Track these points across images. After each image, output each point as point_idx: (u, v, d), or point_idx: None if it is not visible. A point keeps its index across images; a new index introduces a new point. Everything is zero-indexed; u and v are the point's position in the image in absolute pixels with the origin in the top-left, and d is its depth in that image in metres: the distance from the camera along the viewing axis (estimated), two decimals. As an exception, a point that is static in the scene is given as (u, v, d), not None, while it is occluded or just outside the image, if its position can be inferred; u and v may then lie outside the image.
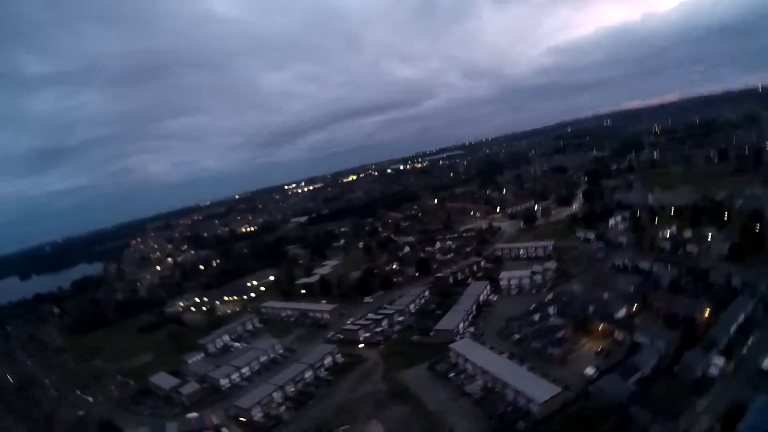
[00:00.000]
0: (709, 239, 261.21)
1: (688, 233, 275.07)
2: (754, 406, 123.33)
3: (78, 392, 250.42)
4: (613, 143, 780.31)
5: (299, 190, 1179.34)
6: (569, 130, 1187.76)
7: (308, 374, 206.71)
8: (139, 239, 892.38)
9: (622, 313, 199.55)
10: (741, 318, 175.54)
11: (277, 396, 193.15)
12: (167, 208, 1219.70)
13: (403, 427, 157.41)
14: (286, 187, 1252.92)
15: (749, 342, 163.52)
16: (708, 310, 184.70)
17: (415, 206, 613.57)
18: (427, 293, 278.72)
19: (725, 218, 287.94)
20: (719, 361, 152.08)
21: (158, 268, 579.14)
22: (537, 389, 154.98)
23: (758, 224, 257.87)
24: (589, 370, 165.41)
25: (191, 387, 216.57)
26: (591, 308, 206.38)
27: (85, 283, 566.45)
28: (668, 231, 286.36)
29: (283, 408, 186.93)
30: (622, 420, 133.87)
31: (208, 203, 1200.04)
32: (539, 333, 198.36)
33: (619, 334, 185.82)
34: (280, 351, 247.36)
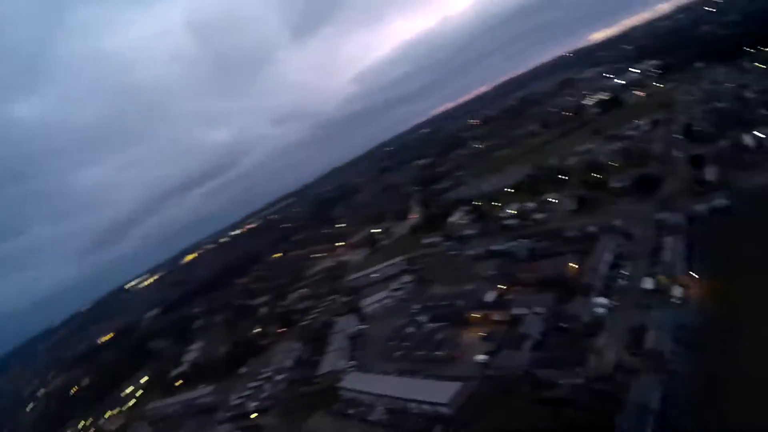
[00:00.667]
0: (553, 202, 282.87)
1: (531, 204, 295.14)
2: (650, 322, 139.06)
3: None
4: (435, 148, 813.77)
5: (145, 283, 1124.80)
6: (390, 148, 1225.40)
7: None
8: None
9: (491, 296, 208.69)
10: (608, 257, 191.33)
11: None
12: (15, 340, 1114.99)
13: None
14: (131, 284, 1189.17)
15: (623, 273, 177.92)
16: (574, 262, 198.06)
17: (260, 266, 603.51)
18: (298, 344, 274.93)
19: (563, 179, 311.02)
20: (602, 301, 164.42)
21: (30, 404, 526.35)
22: (438, 392, 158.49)
23: (596, 174, 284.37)
24: (481, 357, 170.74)
25: None
26: (460, 302, 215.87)
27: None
28: (510, 208, 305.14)
29: None
30: (531, 385, 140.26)
31: (59, 323, 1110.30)
32: (419, 343, 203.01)
33: (496, 316, 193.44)
34: None
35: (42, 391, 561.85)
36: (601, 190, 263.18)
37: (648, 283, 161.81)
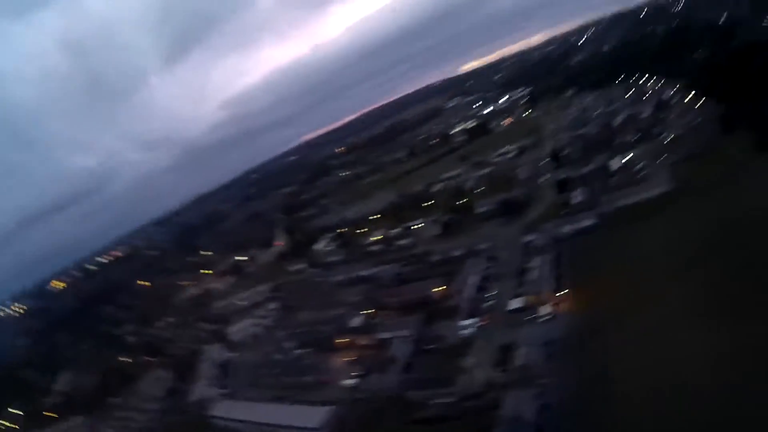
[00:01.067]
0: (418, 227, 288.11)
1: (395, 230, 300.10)
2: (518, 339, 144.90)
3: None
4: (301, 175, 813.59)
5: (9, 311, 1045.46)
6: (255, 176, 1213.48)
7: None
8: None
9: (358, 321, 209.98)
10: (473, 279, 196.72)
11: None
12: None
13: None
14: None
15: (490, 294, 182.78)
16: (440, 286, 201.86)
17: (127, 294, 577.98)
18: (167, 373, 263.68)
19: (428, 205, 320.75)
20: (470, 321, 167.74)
21: None
22: (308, 418, 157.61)
23: (462, 199, 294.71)
24: (348, 381, 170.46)
25: None
26: (327, 328, 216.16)
27: None
28: (375, 235, 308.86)
29: None
30: (402, 407, 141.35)
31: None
32: (287, 369, 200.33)
33: (362, 340, 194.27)
34: None
35: None
36: (467, 215, 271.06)
37: (515, 303, 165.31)
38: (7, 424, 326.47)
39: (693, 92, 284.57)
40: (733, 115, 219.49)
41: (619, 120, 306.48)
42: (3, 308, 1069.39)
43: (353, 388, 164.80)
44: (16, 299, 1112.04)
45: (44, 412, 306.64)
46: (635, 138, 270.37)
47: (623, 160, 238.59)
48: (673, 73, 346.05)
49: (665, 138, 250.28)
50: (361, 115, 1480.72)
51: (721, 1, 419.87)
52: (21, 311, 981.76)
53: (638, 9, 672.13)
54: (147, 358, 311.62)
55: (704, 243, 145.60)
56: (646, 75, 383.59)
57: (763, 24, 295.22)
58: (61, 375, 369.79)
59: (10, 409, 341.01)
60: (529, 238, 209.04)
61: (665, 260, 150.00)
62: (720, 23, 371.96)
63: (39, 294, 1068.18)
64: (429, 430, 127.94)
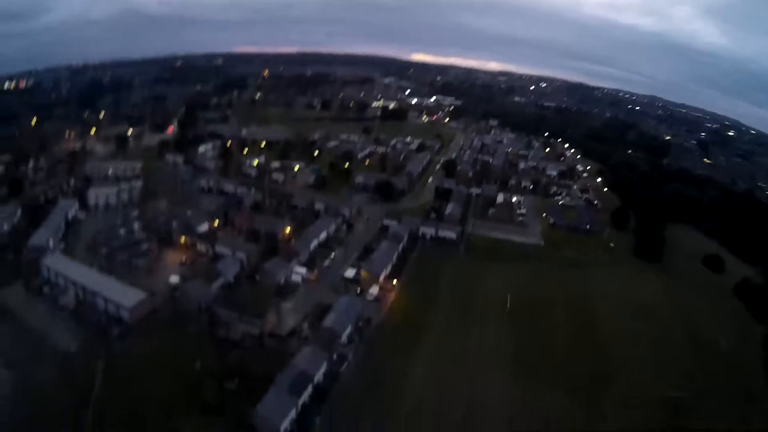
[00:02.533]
0: (296, 170, 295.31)
1: (276, 164, 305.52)
2: (338, 305, 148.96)
3: None
4: (219, 80, 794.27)
5: None
6: (179, 63, 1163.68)
7: None
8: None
9: (204, 228, 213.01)
10: (323, 235, 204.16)
11: None
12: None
13: (10, 347, 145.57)
14: None
15: (332, 256, 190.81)
16: (290, 227, 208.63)
17: (12, 127, 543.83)
18: (18, 211, 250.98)
19: (315, 155, 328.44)
20: (302, 270, 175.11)
21: None
22: (124, 296, 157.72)
23: (347, 162, 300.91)
24: (174, 279, 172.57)
25: None
26: (174, 224, 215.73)
27: None
28: (256, 160, 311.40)
29: None
30: (209, 320, 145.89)
31: None
32: (125, 246, 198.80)
33: (201, 247, 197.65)
34: None
35: None
36: (345, 179, 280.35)
37: (350, 272, 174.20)
38: None
39: (606, 177, 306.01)
40: (627, 216, 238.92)
41: (526, 165, 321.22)
42: None
43: (174, 286, 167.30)
44: None
45: None
46: (532, 186, 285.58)
47: (512, 200, 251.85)
48: (598, 155, 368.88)
49: (559, 201, 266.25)
50: (301, 53, 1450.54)
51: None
52: None
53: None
54: (4, 192, 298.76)
55: (525, 303, 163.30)
56: (575, 146, 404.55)
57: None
58: None
59: None
60: (389, 222, 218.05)
61: (488, 299, 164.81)
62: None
63: None
64: (224, 349, 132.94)
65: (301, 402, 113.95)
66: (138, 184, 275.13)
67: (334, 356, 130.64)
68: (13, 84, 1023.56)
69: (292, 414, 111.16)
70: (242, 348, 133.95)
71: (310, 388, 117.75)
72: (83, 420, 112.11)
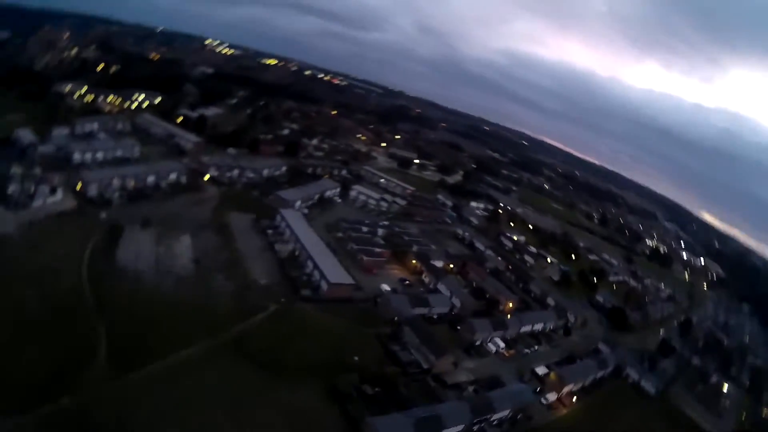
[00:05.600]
0: (549, 261, 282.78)
1: (532, 248, 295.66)
2: (510, 386, 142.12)
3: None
4: (516, 155, 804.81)
5: (218, 49, 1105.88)
6: (486, 127, 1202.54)
7: (150, 179, 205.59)
8: (51, 28, 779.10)
9: (438, 263, 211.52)
10: (539, 326, 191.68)
11: (116, 183, 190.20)
12: (89, 9, 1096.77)
13: (208, 247, 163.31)
14: (207, 41, 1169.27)
15: (536, 348, 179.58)
16: (512, 303, 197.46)
17: (315, 108, 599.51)
18: (284, 168, 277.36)
19: (572, 257, 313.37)
20: (501, 343, 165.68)
21: (62, 54, 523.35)
22: (332, 273, 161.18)
23: (597, 278, 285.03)
24: (386, 287, 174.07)
25: (47, 148, 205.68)
26: (415, 247, 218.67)
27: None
28: (516, 236, 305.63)
29: (117, 194, 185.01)
30: (392, 332, 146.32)
31: (132, 23, 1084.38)
32: (360, 240, 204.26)
33: (426, 277, 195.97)
34: (136, 154, 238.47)
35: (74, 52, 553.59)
36: (588, 287, 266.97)
37: (541, 369, 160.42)
38: (145, 102, 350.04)
39: None
40: None
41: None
42: (217, 48, 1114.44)
43: (382, 293, 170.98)
44: (229, 48, 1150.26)
45: (178, 116, 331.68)
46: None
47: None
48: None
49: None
50: (604, 168, 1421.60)
51: None
52: (227, 56, 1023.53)
53: None
54: (281, 150, 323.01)
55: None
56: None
57: None
58: (212, 108, 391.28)
59: (157, 97, 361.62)
60: (603, 347, 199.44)
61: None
62: None
63: (252, 57, 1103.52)
64: (387, 361, 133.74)
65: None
66: (400, 201, 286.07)
67: (475, 426, 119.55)
68: (327, 77, 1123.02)
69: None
70: (403, 370, 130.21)
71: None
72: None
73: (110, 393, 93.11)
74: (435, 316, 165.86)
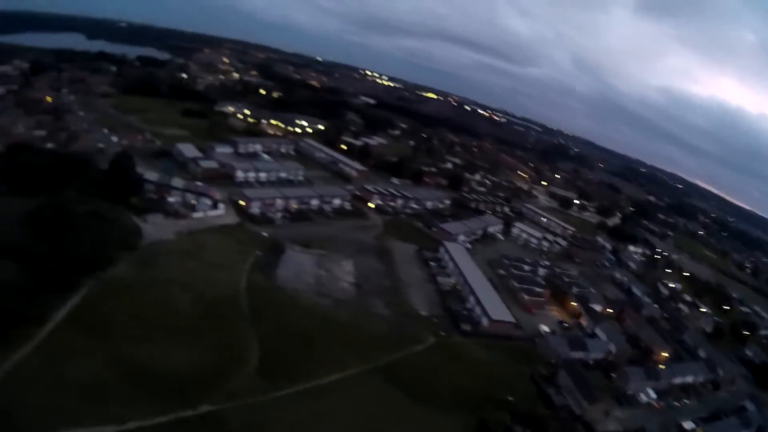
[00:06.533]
0: (702, 311, 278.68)
1: (687, 296, 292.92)
2: None
3: (105, 131, 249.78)
4: (675, 199, 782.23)
5: (378, 80, 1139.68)
6: (642, 169, 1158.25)
7: (314, 202, 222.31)
8: (210, 49, 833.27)
9: (598, 307, 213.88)
10: (689, 379, 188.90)
11: (280, 203, 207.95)
12: (246, 36, 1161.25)
13: (370, 273, 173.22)
14: (367, 72, 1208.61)
15: (684, 401, 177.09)
16: (666, 354, 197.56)
17: (474, 142, 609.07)
18: (447, 201, 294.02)
19: (724, 308, 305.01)
20: (653, 394, 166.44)
21: (221, 76, 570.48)
22: (495, 309, 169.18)
23: (749, 332, 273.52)
24: (544, 327, 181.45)
25: (210, 164, 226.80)
26: (575, 289, 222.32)
27: (150, 61, 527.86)
28: (673, 284, 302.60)
29: (279, 215, 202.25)
30: (546, 372, 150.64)
31: (290, 51, 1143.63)
32: (522, 279, 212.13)
33: (583, 320, 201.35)
34: (300, 177, 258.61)
35: (235, 75, 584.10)
36: (737, 338, 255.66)
37: (688, 425, 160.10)
38: (309, 128, 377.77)
39: None
40: None
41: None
42: (377, 79, 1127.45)
43: (538, 333, 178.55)
44: (390, 80, 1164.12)
45: (341, 143, 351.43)
46: None
47: None
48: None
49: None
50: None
51: None
52: (387, 87, 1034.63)
53: None
54: (444, 182, 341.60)
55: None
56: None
57: None
58: (376, 137, 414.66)
59: (320, 123, 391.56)
60: (749, 405, 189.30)
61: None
62: None
63: (412, 90, 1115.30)
64: (539, 400, 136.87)
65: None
66: (562, 242, 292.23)
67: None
68: (487, 112, 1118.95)
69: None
70: (554, 413, 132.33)
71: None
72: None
73: (255, 403, 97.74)
74: (591, 362, 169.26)
